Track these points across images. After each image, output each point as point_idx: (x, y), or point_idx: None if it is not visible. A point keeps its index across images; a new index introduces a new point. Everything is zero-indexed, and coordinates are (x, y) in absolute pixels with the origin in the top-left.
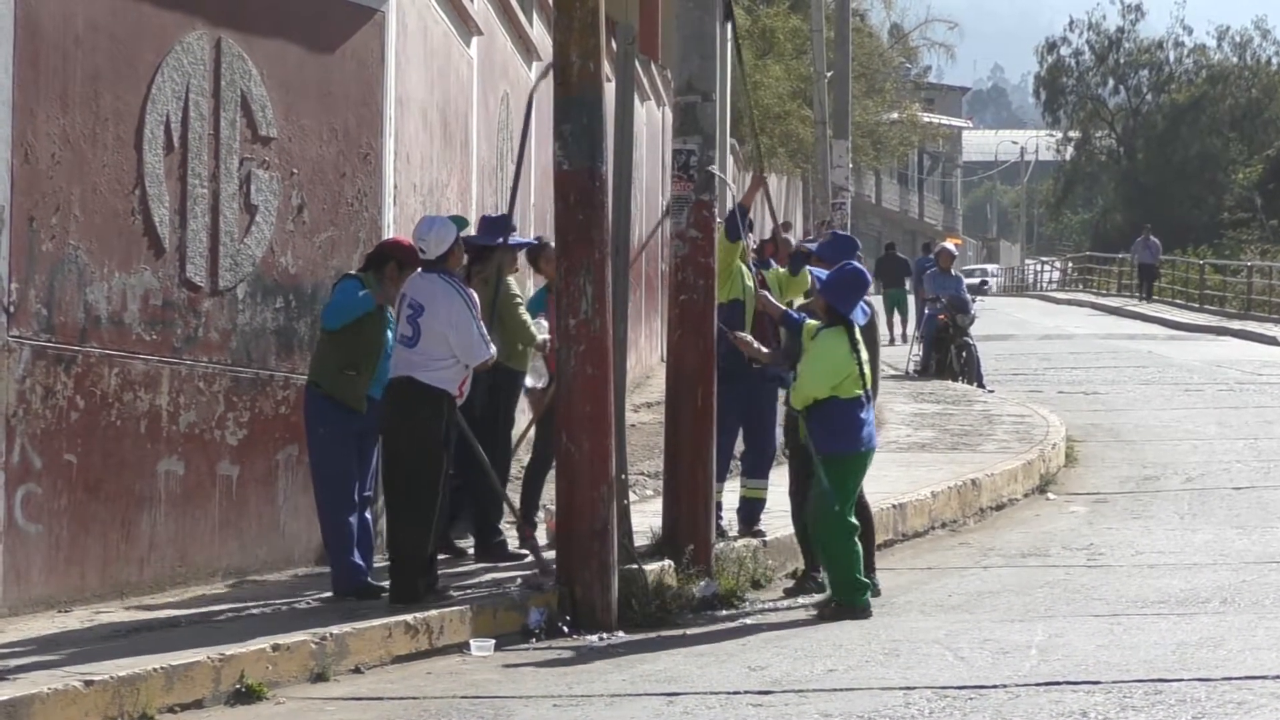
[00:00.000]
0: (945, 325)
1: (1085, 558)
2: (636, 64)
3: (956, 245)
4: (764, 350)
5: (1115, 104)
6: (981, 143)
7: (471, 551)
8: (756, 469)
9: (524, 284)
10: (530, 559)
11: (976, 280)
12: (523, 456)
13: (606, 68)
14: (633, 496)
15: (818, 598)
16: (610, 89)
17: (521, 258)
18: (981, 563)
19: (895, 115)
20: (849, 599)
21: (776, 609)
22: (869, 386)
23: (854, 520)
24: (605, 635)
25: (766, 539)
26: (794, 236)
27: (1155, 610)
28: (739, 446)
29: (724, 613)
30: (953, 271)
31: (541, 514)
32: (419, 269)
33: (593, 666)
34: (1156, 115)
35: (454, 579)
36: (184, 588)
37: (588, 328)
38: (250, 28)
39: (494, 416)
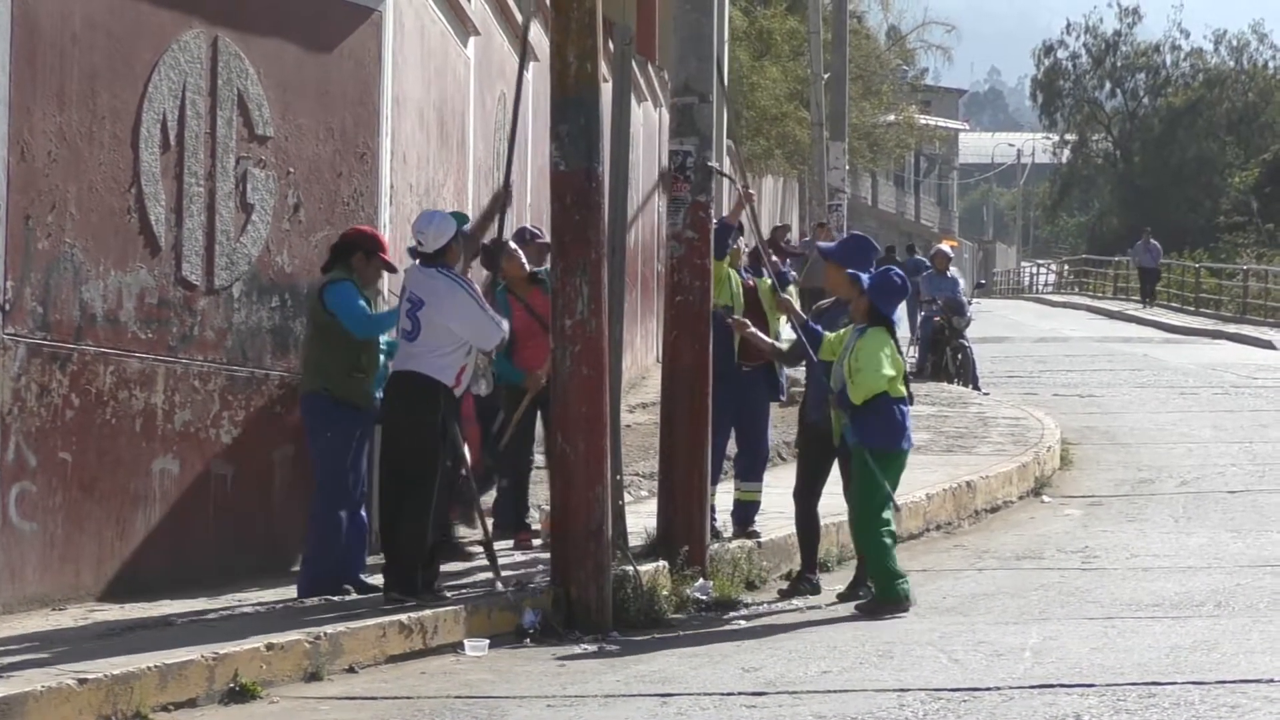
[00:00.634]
0: (941, 327)
1: (1080, 560)
2: (633, 65)
3: (953, 247)
4: (764, 339)
5: (1112, 107)
6: (978, 145)
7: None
8: (750, 471)
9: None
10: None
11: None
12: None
13: (604, 68)
14: (628, 497)
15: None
16: (607, 90)
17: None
18: (976, 565)
19: (892, 117)
20: (891, 593)
21: (771, 610)
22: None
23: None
24: (600, 636)
25: (761, 540)
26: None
27: (1149, 613)
28: (731, 448)
29: (718, 614)
30: (949, 273)
31: (537, 514)
32: (416, 261)
33: (587, 667)
34: (1153, 118)
35: (447, 578)
36: (178, 586)
37: (584, 328)
38: (247, 27)
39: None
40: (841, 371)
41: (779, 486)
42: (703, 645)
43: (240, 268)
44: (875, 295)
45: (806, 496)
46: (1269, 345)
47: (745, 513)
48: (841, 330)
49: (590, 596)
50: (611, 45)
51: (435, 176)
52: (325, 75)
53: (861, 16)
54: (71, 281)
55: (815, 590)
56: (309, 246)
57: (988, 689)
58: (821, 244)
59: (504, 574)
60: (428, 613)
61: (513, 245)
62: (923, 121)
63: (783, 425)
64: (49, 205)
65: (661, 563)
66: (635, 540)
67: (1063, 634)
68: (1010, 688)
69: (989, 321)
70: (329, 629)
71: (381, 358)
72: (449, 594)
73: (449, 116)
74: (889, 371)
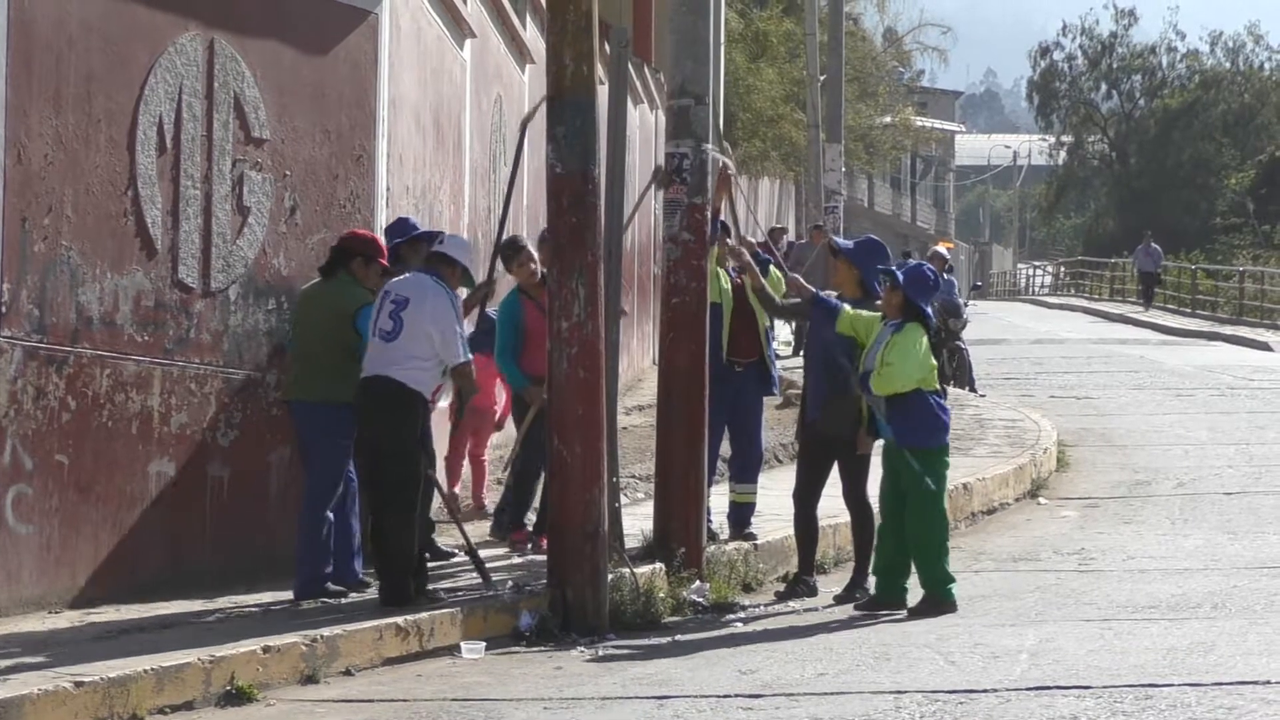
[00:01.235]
0: (937, 329)
1: (1076, 562)
2: (630, 67)
3: (949, 249)
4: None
5: (1108, 109)
6: (974, 147)
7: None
8: (745, 473)
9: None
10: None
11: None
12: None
13: (600, 70)
14: (624, 499)
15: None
16: (604, 92)
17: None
18: (972, 567)
19: (888, 119)
20: (946, 594)
21: (768, 613)
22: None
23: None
24: (596, 638)
25: (758, 542)
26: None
27: (1146, 615)
28: (726, 450)
29: (715, 616)
30: (944, 275)
31: (533, 515)
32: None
33: (583, 669)
34: (1149, 120)
35: (442, 581)
36: (175, 588)
37: (580, 330)
38: (244, 29)
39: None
40: (872, 363)
41: (774, 489)
42: (699, 648)
43: (237, 270)
44: (910, 289)
45: (806, 498)
46: (1265, 347)
47: (741, 514)
48: (867, 315)
49: (587, 599)
50: (608, 47)
51: (432, 179)
52: (321, 78)
53: (857, 18)
54: (68, 284)
55: (812, 592)
56: (305, 249)
57: (984, 691)
58: (838, 240)
59: (500, 577)
60: (424, 615)
61: (529, 246)
62: (919, 123)
63: (779, 427)
64: (45, 208)
65: (658, 565)
66: (632, 542)
67: (1059, 636)
68: (1007, 690)
69: (985, 323)
70: (325, 631)
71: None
72: (443, 595)
73: (445, 119)
74: (919, 374)
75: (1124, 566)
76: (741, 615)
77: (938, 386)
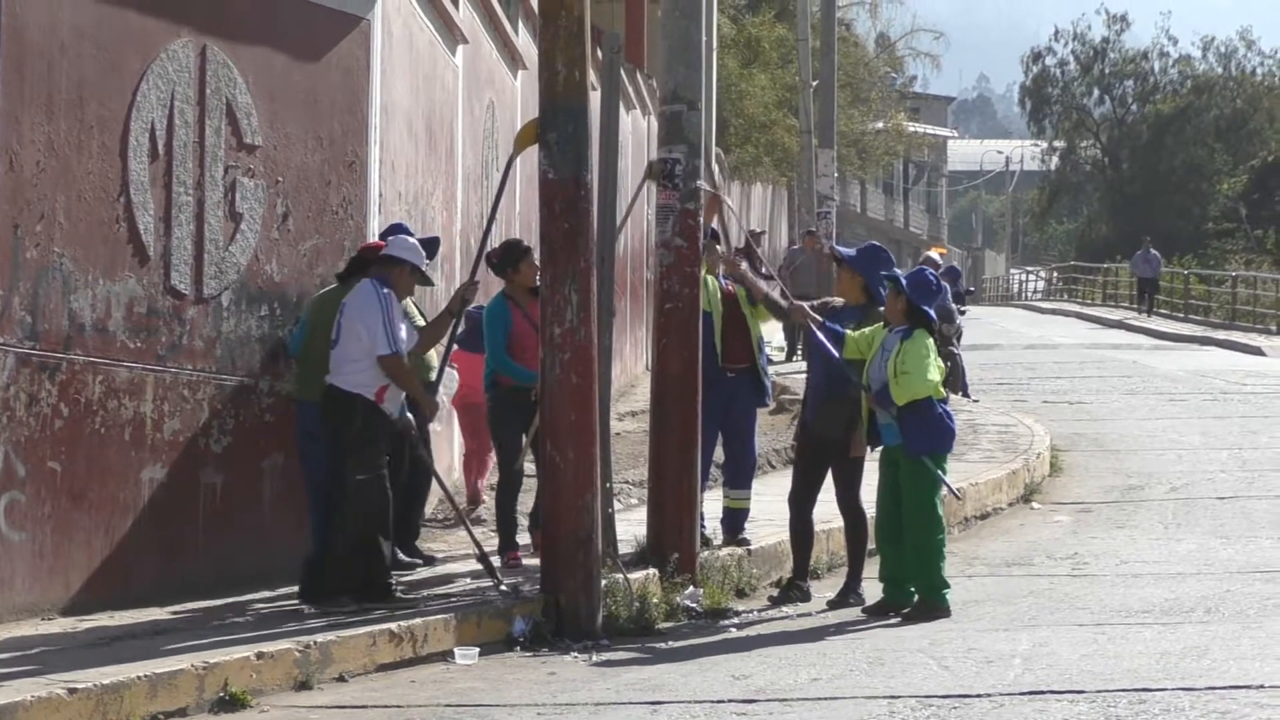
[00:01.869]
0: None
1: (1069, 567)
2: (622, 73)
3: (941, 255)
4: (763, 286)
5: (1100, 114)
6: (967, 152)
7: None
8: (738, 479)
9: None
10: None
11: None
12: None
13: (592, 76)
14: (617, 505)
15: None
16: (596, 98)
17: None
18: (966, 572)
19: (880, 125)
20: (940, 599)
21: (761, 618)
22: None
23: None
24: (590, 644)
25: (751, 548)
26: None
27: (1139, 620)
28: (719, 455)
29: (708, 622)
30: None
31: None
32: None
33: (577, 675)
34: (1141, 125)
35: (433, 584)
36: (168, 595)
37: (573, 336)
38: (236, 35)
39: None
40: (883, 372)
41: (768, 494)
42: (692, 653)
43: (229, 277)
44: (916, 295)
45: (802, 502)
46: (1258, 351)
47: (735, 520)
48: (868, 330)
49: (580, 604)
50: (600, 53)
51: (424, 185)
52: (314, 84)
53: (850, 24)
54: (60, 291)
55: (806, 598)
56: (298, 256)
57: (978, 696)
58: (841, 249)
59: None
60: (418, 621)
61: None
62: (911, 129)
63: (771, 432)
64: (37, 215)
65: (651, 570)
66: (625, 548)
67: (1053, 641)
68: (1000, 694)
69: (978, 328)
70: (319, 638)
71: None
72: (400, 595)
73: (438, 125)
74: (934, 376)
75: (1117, 571)
76: (735, 620)
77: (944, 394)
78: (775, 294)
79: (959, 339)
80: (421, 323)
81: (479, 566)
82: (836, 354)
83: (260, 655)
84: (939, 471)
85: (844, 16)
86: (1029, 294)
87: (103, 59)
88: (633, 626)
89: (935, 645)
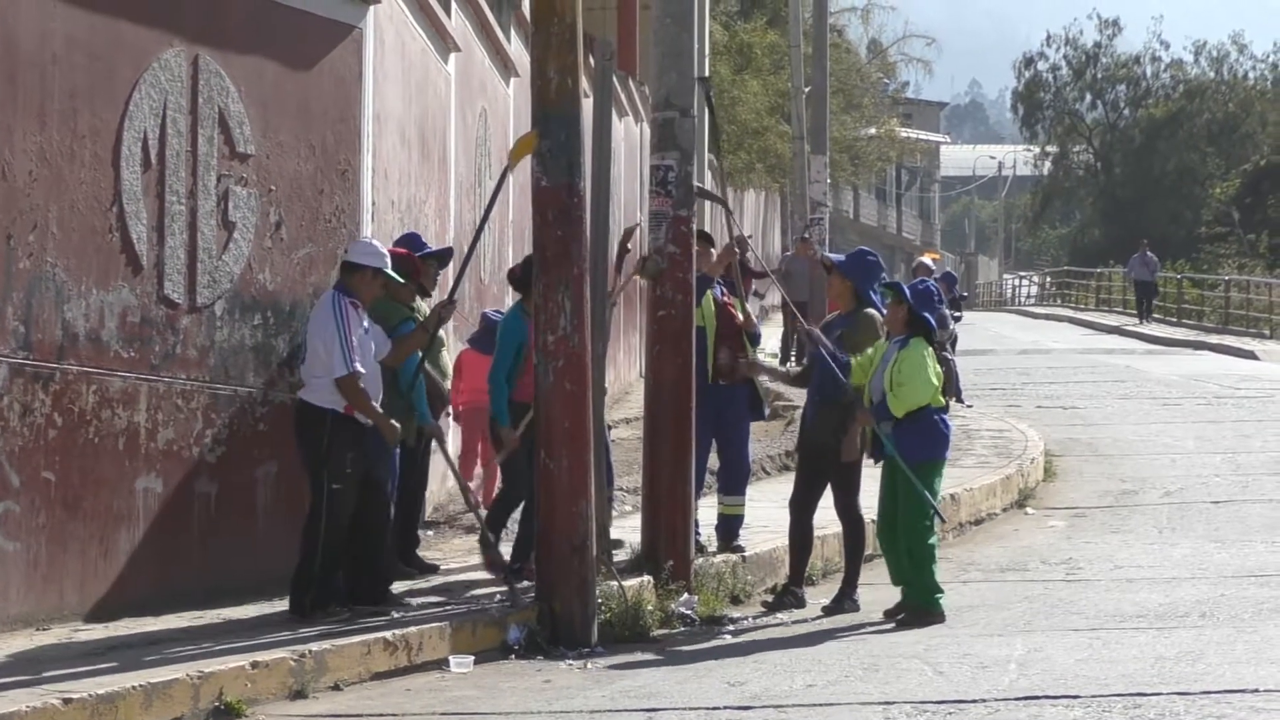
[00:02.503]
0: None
1: (1064, 572)
2: (614, 80)
3: (935, 260)
4: (773, 369)
5: (1093, 119)
6: (959, 158)
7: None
8: (732, 485)
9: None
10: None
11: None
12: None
13: (584, 83)
14: (612, 512)
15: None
16: (588, 105)
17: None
18: (960, 577)
19: (873, 130)
20: (933, 604)
21: (756, 624)
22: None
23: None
24: (585, 651)
25: (746, 554)
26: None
27: (1134, 624)
28: (714, 462)
29: (703, 628)
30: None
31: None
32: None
33: (572, 683)
34: (1134, 130)
35: (429, 592)
36: (163, 605)
37: (566, 343)
38: (228, 45)
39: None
40: (881, 384)
41: (762, 501)
42: (688, 660)
43: (222, 286)
44: (918, 302)
45: (802, 507)
46: (1251, 355)
47: (729, 527)
48: (871, 350)
49: (575, 612)
50: (592, 60)
51: (417, 193)
52: (306, 92)
53: (842, 30)
54: (53, 301)
55: (801, 604)
56: (291, 264)
57: (973, 701)
58: (832, 256)
59: (488, 591)
60: (412, 630)
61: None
62: (904, 134)
63: (765, 439)
64: (30, 225)
65: (646, 578)
66: (619, 555)
67: (1047, 646)
68: (995, 700)
69: (971, 334)
70: (314, 646)
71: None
72: (343, 612)
73: (430, 133)
74: (931, 389)
75: (1111, 576)
76: (730, 627)
77: (942, 402)
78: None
79: (954, 345)
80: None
81: (475, 574)
82: (841, 372)
83: (255, 664)
84: (927, 489)
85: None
86: (1022, 299)
87: (95, 68)
88: (628, 634)
89: (930, 651)
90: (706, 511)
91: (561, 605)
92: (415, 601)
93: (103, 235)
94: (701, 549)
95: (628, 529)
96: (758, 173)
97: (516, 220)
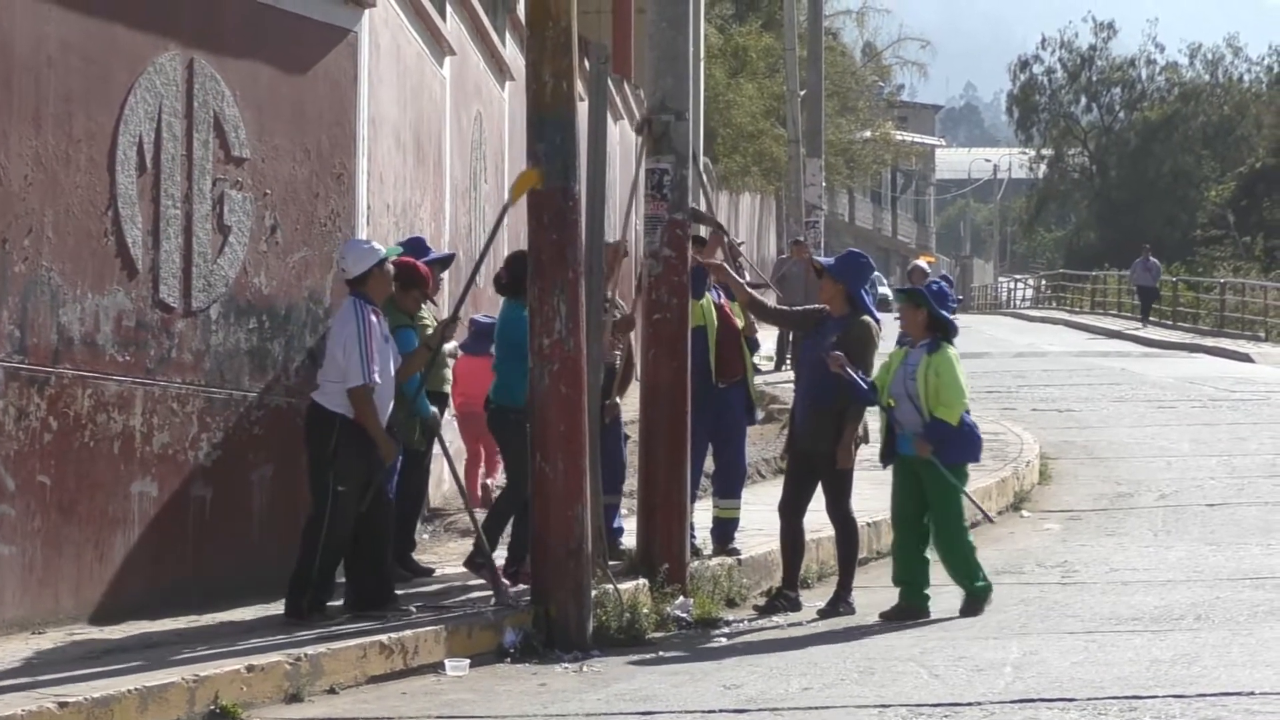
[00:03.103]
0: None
1: (1059, 575)
2: (610, 83)
3: (930, 263)
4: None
5: (1088, 122)
6: (954, 161)
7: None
8: (728, 489)
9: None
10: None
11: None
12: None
13: (579, 87)
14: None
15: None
16: (583, 108)
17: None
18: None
19: (868, 133)
20: (982, 591)
21: (752, 628)
22: None
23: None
24: (580, 655)
25: (741, 558)
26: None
27: (1129, 627)
28: (709, 466)
29: (699, 632)
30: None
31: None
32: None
33: (568, 686)
34: (1129, 133)
35: (427, 597)
36: (158, 608)
37: (562, 347)
38: (223, 48)
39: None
40: (904, 388)
41: (758, 504)
42: (683, 663)
43: (218, 289)
44: (943, 305)
45: (791, 511)
46: (1246, 358)
47: (725, 530)
48: (890, 355)
49: (570, 615)
50: (587, 64)
51: (412, 197)
52: (301, 96)
53: (837, 33)
54: (49, 305)
55: (796, 607)
56: (286, 268)
57: (968, 704)
58: (821, 259)
59: (482, 594)
60: (408, 633)
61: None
62: (899, 137)
63: (760, 442)
64: (25, 229)
65: (642, 581)
66: (615, 558)
67: (1043, 649)
68: (991, 703)
69: (967, 337)
70: (309, 650)
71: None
72: (343, 617)
73: (425, 136)
74: (966, 395)
75: (1107, 579)
76: (725, 630)
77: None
78: (770, 301)
79: None
80: (433, 324)
81: (471, 578)
82: (869, 395)
83: (251, 668)
84: (964, 489)
85: (831, 26)
86: (1017, 302)
87: (90, 72)
88: (623, 637)
89: (926, 654)
90: (701, 514)
91: (557, 608)
92: (413, 606)
93: (98, 239)
94: (697, 552)
95: (624, 532)
96: (753, 176)
97: (512, 224)
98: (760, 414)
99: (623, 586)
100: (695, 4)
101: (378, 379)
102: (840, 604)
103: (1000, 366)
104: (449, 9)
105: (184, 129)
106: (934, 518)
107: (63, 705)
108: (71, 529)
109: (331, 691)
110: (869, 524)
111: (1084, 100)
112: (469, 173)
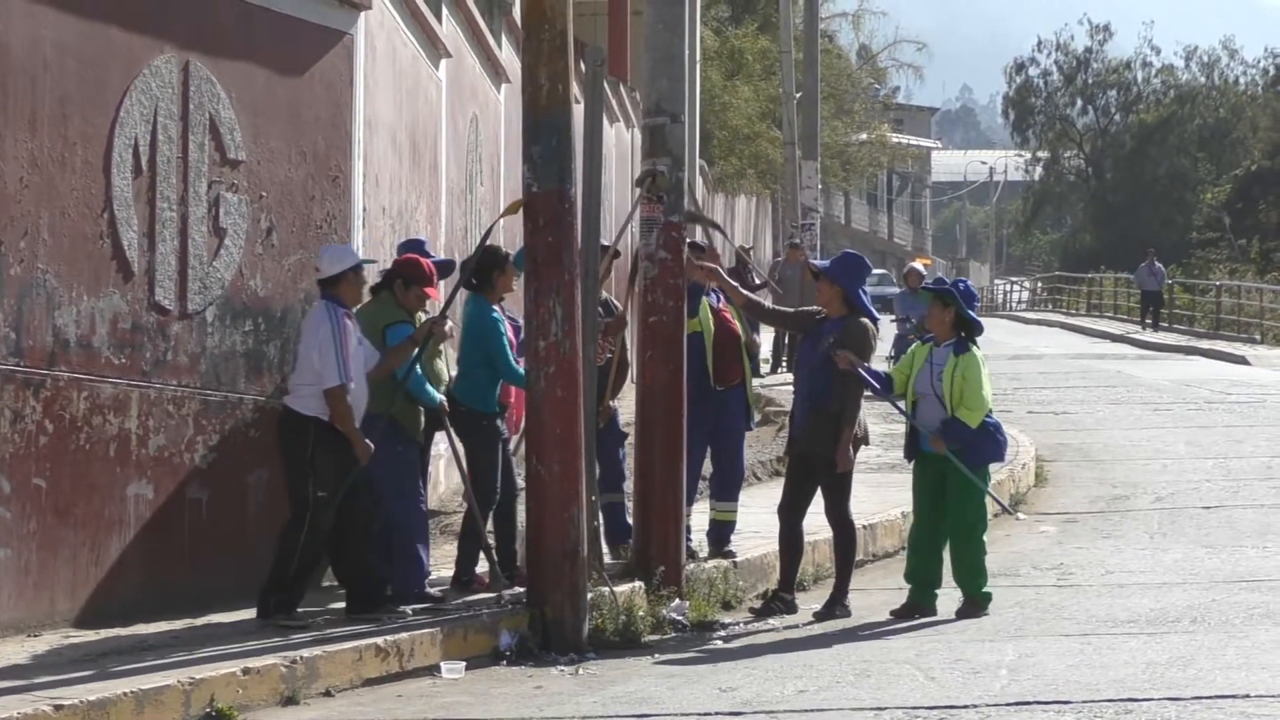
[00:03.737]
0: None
1: (1055, 577)
2: (605, 86)
3: (926, 265)
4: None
5: (1084, 124)
6: (950, 163)
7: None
8: (725, 491)
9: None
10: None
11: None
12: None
13: (575, 89)
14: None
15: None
16: (579, 111)
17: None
18: (952, 582)
19: (864, 136)
20: (984, 598)
21: (748, 630)
22: None
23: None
24: (576, 657)
25: (737, 560)
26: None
27: (1125, 629)
28: (706, 468)
29: (695, 634)
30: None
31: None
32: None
33: (564, 688)
34: (1125, 135)
35: (421, 598)
36: (154, 611)
37: (557, 350)
38: (218, 51)
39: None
40: (930, 387)
41: (754, 506)
42: (679, 666)
43: (213, 292)
44: (970, 304)
45: (791, 513)
46: (1242, 361)
47: (721, 533)
48: (911, 350)
49: (566, 618)
50: (583, 66)
51: (408, 199)
52: (297, 98)
53: (833, 36)
54: (44, 307)
55: (791, 609)
56: (282, 270)
57: (964, 707)
58: (817, 262)
59: (482, 596)
60: (404, 635)
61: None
62: (895, 140)
63: (756, 445)
64: (21, 231)
65: (638, 583)
66: (610, 560)
67: (1039, 651)
68: (987, 705)
69: None
70: (305, 653)
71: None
72: (317, 619)
73: (421, 139)
74: (990, 398)
75: (1103, 581)
76: (721, 633)
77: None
78: (766, 302)
79: None
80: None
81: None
82: (882, 388)
83: (246, 671)
84: (988, 489)
85: (827, 28)
86: (1013, 304)
87: (86, 75)
88: (619, 639)
89: (922, 656)
90: (698, 517)
91: (553, 611)
92: (408, 608)
93: (94, 241)
94: (693, 554)
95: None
96: (749, 178)
97: (507, 225)
98: (757, 416)
99: (618, 589)
100: (691, 6)
101: (352, 382)
102: (837, 606)
103: (996, 369)
104: (445, 11)
105: (179, 131)
106: (951, 516)
107: (58, 708)
108: (67, 531)
109: (327, 694)
110: (865, 526)
111: (1080, 103)
112: (465, 175)
